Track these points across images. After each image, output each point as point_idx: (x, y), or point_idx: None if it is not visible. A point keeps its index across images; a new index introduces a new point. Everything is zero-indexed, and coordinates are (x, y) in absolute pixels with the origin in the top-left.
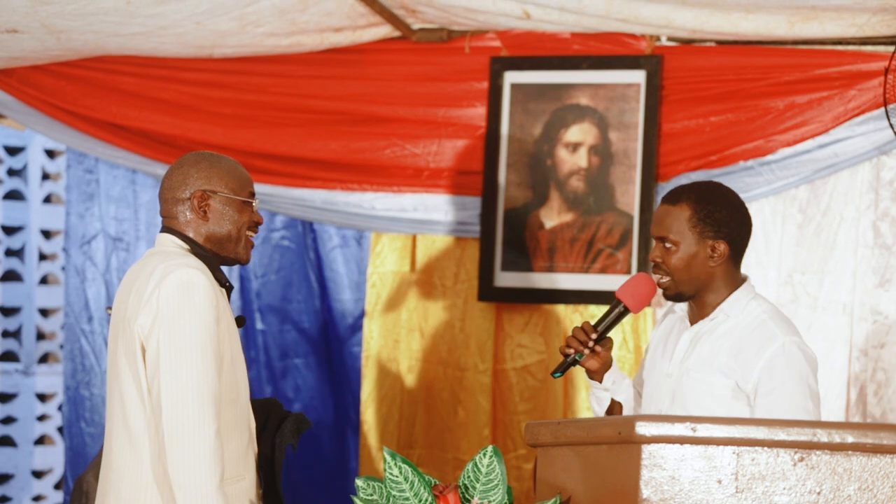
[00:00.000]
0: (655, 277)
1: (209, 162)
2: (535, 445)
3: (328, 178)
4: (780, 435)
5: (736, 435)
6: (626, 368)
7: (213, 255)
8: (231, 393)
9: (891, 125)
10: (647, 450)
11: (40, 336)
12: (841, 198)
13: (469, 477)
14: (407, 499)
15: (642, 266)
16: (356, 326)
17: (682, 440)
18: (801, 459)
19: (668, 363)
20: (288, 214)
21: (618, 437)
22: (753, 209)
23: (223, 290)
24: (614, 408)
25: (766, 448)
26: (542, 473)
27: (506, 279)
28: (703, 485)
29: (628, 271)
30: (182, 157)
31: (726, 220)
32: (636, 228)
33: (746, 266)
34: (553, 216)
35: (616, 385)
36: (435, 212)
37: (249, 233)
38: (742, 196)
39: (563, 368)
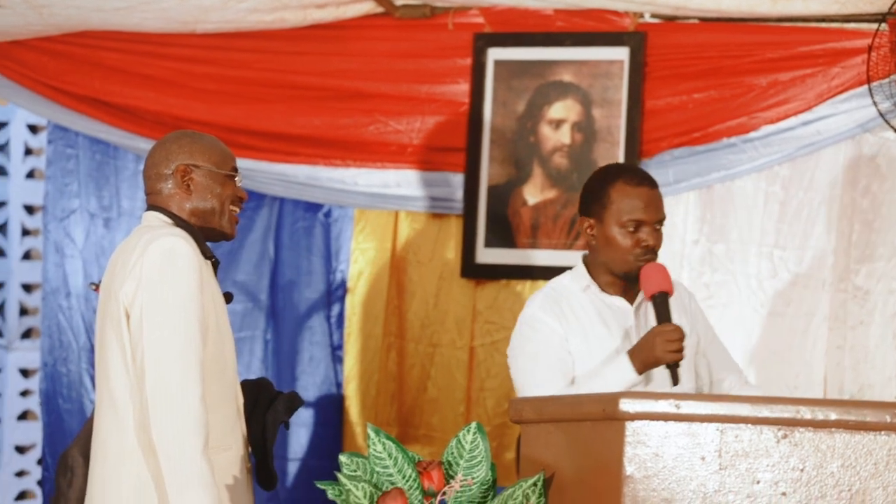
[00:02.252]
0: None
1: (191, 138)
2: (519, 422)
3: (311, 154)
4: (764, 412)
5: (720, 412)
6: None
7: (199, 229)
8: (217, 364)
9: (874, 102)
10: (631, 426)
11: (23, 311)
12: (823, 175)
13: (452, 453)
14: (391, 475)
15: None
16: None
17: (665, 417)
18: (785, 436)
19: (624, 339)
20: (270, 191)
21: (602, 414)
22: (736, 186)
23: (209, 263)
24: None
25: (749, 425)
26: (525, 450)
27: (488, 256)
28: (686, 461)
29: None
30: (165, 135)
31: None
32: None
33: (728, 241)
34: (536, 193)
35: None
36: (418, 188)
37: (233, 208)
38: (725, 173)
39: (678, 373)
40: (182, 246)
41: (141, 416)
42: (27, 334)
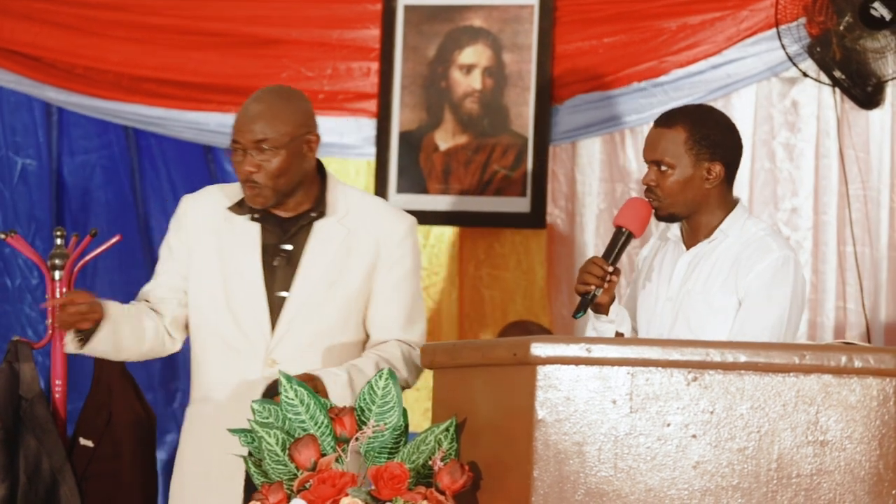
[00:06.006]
0: (648, 200)
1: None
2: (432, 368)
3: (222, 101)
4: (674, 355)
5: (630, 355)
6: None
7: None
8: (206, 317)
9: (782, 45)
10: (543, 371)
11: None
12: (734, 119)
13: (365, 400)
14: (303, 421)
15: (536, 186)
16: None
17: (576, 361)
18: (695, 379)
19: (667, 287)
20: (181, 137)
21: (513, 359)
22: (647, 131)
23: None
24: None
25: (659, 368)
26: (438, 395)
27: (400, 201)
28: (597, 405)
29: (523, 193)
30: None
31: (721, 142)
32: (531, 150)
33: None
34: (448, 138)
35: (619, 317)
36: (329, 134)
37: (247, 181)
38: (636, 117)
39: (585, 307)
40: (183, 201)
41: None
42: None
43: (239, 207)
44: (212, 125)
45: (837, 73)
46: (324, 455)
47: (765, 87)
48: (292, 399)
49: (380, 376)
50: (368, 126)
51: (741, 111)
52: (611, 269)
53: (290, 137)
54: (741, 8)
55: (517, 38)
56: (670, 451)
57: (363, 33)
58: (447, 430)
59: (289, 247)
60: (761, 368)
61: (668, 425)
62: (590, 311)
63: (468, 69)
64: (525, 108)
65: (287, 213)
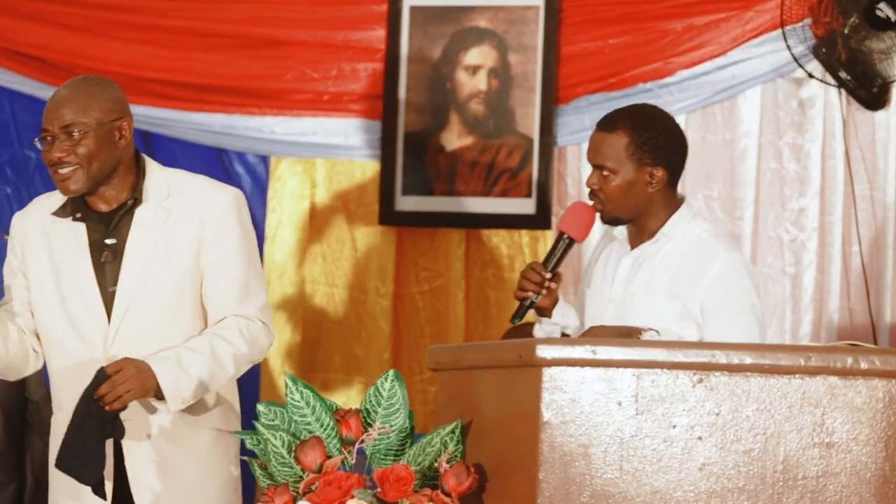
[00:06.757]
0: (592, 203)
1: None
2: (437, 369)
3: (228, 103)
4: (680, 357)
5: (636, 357)
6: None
7: None
8: (47, 327)
9: (788, 46)
10: (548, 373)
11: None
12: (740, 120)
13: (371, 401)
14: (309, 423)
15: (542, 188)
16: None
17: (582, 363)
18: (700, 381)
19: (610, 288)
20: (186, 139)
21: (518, 361)
22: None
23: (76, 220)
24: None
25: (665, 370)
26: (443, 397)
27: (406, 203)
28: (603, 407)
29: (528, 194)
30: None
31: (664, 146)
32: (536, 151)
33: None
34: (453, 139)
35: (564, 318)
36: (335, 136)
37: (54, 171)
38: None
39: (522, 313)
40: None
41: None
42: None
43: (62, 210)
44: (217, 126)
45: (843, 74)
46: (330, 457)
47: (771, 87)
48: (298, 401)
49: (385, 378)
50: (374, 127)
51: (747, 112)
52: (549, 275)
53: (98, 122)
54: (746, 9)
55: (523, 38)
56: (676, 452)
57: (368, 34)
58: (453, 431)
59: (112, 240)
60: (767, 370)
61: (674, 427)
62: (534, 313)
63: (474, 70)
64: (530, 109)
65: (107, 207)
